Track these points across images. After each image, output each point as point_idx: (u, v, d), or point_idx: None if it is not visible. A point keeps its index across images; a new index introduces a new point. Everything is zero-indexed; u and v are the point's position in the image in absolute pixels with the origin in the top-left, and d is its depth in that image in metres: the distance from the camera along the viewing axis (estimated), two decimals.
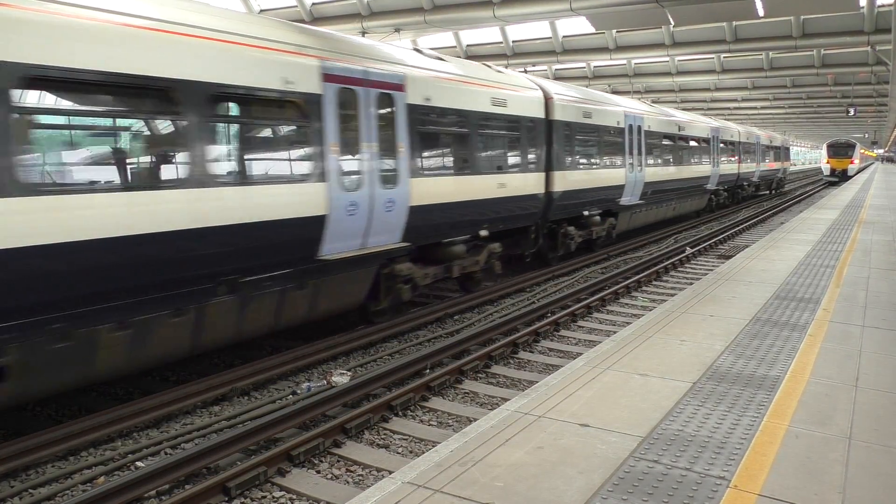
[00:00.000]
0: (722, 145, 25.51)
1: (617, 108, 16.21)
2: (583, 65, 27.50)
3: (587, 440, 4.15)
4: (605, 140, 15.31)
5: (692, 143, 21.88)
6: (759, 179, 33.37)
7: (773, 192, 40.07)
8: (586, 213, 14.64)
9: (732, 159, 27.26)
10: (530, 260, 13.61)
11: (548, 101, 13.06)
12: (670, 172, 19.67)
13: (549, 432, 4.27)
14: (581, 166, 14.21)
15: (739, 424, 4.38)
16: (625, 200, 16.60)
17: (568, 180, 13.50)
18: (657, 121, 18.77)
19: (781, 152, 39.97)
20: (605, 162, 15.22)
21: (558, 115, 13.20)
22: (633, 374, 5.35)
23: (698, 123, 23.06)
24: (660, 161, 18.78)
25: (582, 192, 14.21)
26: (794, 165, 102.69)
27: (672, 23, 15.25)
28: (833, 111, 44.95)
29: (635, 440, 4.14)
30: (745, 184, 30.94)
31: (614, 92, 28.83)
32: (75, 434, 5.81)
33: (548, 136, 12.93)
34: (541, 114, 12.70)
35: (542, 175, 12.68)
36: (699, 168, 22.60)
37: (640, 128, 17.28)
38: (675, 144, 20.07)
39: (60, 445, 5.68)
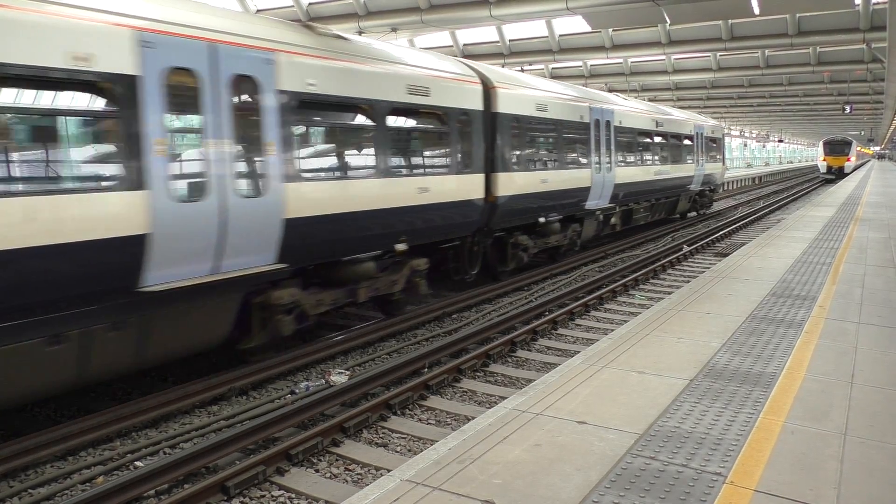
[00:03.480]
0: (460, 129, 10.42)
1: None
2: (579, 63, 27.52)
3: (585, 437, 4.17)
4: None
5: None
6: (612, 204, 15.90)
7: (684, 217, 23.93)
8: None
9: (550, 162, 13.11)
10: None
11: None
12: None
13: (547, 430, 4.29)
14: None
15: (736, 421, 4.40)
16: None
17: None
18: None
19: (700, 147, 22.54)
20: None
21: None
22: (631, 372, 5.37)
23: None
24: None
25: None
26: (786, 165, 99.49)
27: (668, 21, 15.28)
28: (829, 109, 44.99)
29: (632, 437, 4.16)
30: (550, 224, 13.25)
31: (611, 90, 28.82)
32: (74, 434, 5.82)
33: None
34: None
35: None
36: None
37: None
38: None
39: (59, 445, 5.69)
